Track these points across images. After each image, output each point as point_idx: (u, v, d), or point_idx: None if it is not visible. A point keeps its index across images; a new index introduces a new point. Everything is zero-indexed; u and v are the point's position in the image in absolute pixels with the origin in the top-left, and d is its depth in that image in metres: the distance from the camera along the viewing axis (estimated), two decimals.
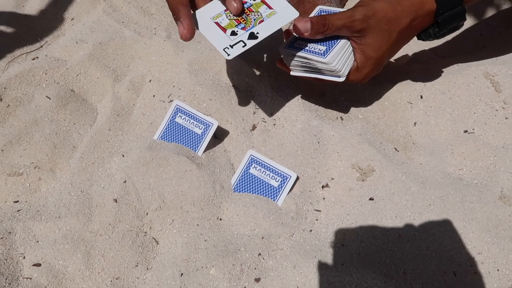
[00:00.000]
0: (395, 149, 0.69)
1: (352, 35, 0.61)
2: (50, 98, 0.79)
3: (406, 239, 0.57)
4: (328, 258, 0.56)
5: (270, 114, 0.75)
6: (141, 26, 0.95)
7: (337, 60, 0.61)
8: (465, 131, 0.70)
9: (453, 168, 0.67)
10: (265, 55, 0.84)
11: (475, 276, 0.54)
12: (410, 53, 0.87)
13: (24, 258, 0.59)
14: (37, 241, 0.61)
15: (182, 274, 0.56)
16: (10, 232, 0.61)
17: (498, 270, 0.54)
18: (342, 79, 0.64)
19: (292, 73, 0.67)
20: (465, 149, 0.68)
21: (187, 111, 0.70)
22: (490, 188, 0.62)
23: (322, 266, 0.55)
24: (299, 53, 0.63)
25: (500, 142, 0.69)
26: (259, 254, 0.57)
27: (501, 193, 0.61)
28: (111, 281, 0.57)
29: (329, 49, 0.61)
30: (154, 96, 0.81)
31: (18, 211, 0.65)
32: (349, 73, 0.64)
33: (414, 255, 0.56)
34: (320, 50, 0.62)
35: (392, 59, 0.85)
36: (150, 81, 0.84)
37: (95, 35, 0.92)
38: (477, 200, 0.60)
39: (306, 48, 0.63)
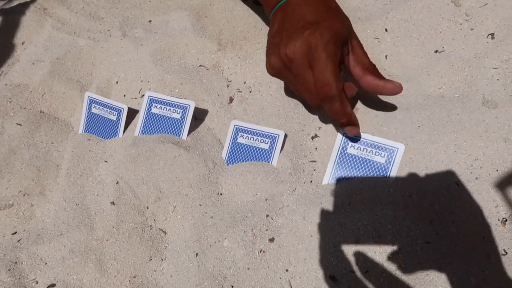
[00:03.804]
0: None
1: None
2: (21, 125, 0.77)
3: (404, 164, 0.58)
4: (334, 201, 0.56)
5: (244, 83, 0.74)
6: (94, 32, 0.92)
7: None
8: (436, 51, 0.71)
9: (432, 88, 0.67)
10: (225, 28, 0.83)
11: (477, 182, 0.55)
12: None
13: (37, 283, 0.58)
14: (46, 263, 0.59)
15: (197, 254, 0.55)
16: (16, 262, 0.60)
17: (497, 170, 0.55)
18: None
19: None
20: (439, 68, 0.68)
21: (162, 99, 0.69)
22: (472, 97, 0.63)
23: (330, 211, 0.55)
24: None
25: (471, 53, 0.69)
26: (267, 216, 0.57)
27: (483, 99, 0.62)
28: (129, 280, 0.56)
29: None
30: (124, 96, 0.80)
31: (18, 241, 0.63)
32: None
33: (414, 177, 0.57)
34: None
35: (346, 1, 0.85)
36: (117, 82, 0.82)
37: (50, 52, 0.90)
38: (462, 111, 0.61)
39: None
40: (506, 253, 0.51)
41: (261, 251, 0.54)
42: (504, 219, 0.53)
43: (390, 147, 0.57)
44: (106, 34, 0.91)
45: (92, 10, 0.99)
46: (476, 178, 0.55)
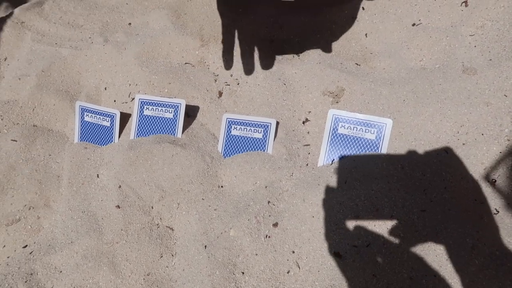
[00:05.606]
0: (356, 64, 0.71)
1: None
2: (16, 141, 0.78)
3: (393, 138, 0.60)
4: (331, 182, 0.58)
5: (230, 75, 0.75)
6: (75, 41, 0.93)
7: None
8: (413, 24, 0.73)
9: (413, 61, 0.70)
10: (205, 24, 0.83)
11: (464, 147, 0.57)
12: None
13: None
14: (60, 271, 0.61)
15: (205, 246, 0.58)
16: (31, 274, 0.61)
17: (482, 134, 0.58)
18: None
19: None
20: (418, 41, 0.70)
21: (152, 101, 0.70)
22: (452, 66, 0.65)
23: (328, 191, 0.57)
24: None
25: (447, 22, 0.71)
26: (268, 202, 0.59)
27: (463, 66, 0.64)
28: (143, 278, 0.59)
29: None
30: (115, 101, 0.81)
31: (30, 253, 0.65)
32: None
33: (405, 149, 0.59)
34: None
35: None
36: (105, 88, 0.83)
37: (34, 65, 0.90)
38: (444, 80, 0.63)
39: None
40: (498, 212, 0.54)
41: (266, 236, 0.56)
42: (493, 180, 0.56)
43: (378, 123, 0.60)
44: (88, 41, 0.91)
45: (70, 18, 0.99)
46: (463, 144, 0.58)
